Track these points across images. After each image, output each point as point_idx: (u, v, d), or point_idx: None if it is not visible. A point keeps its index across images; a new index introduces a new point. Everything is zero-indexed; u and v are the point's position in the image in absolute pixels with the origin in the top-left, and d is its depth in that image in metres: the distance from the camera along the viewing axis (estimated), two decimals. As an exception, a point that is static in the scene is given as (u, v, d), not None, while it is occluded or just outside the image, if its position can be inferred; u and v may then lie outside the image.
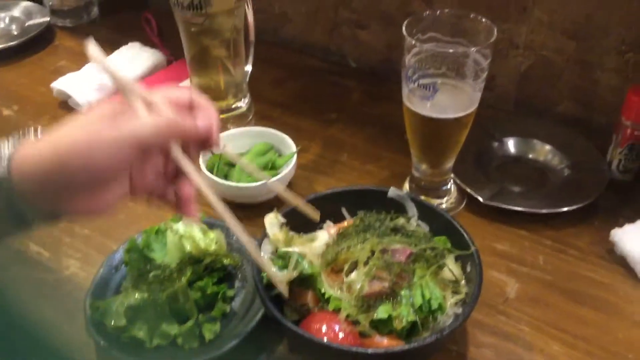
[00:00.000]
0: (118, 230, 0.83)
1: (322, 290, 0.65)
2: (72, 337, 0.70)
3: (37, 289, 0.76)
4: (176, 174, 0.55)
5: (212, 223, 0.77)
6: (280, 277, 0.63)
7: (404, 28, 0.74)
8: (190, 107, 0.55)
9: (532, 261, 0.78)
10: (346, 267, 0.67)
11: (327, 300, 0.64)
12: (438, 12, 0.76)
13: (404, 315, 0.62)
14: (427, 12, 0.76)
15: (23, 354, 0.73)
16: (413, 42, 0.73)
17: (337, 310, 0.63)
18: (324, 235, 0.70)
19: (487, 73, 0.74)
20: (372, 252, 0.67)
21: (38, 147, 0.50)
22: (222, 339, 0.66)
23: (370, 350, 0.59)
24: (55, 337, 0.70)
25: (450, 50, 0.73)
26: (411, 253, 0.67)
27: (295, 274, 0.64)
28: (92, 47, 0.53)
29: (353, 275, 0.66)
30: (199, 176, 0.54)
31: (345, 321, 0.62)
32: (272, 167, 0.87)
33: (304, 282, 0.65)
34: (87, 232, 0.83)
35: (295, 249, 0.67)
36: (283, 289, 0.62)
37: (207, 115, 0.54)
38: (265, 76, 1.12)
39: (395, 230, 0.69)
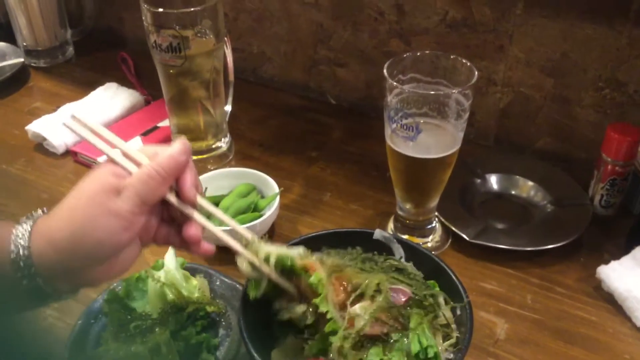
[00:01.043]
0: (97, 277, 0.80)
1: (325, 309, 0.63)
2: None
3: (14, 342, 0.73)
4: (174, 218, 0.58)
5: (194, 268, 0.75)
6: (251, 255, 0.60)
7: (385, 69, 0.74)
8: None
9: (520, 300, 0.77)
10: (353, 297, 0.65)
11: (328, 319, 0.63)
12: (419, 53, 0.76)
13: None
14: (408, 54, 0.76)
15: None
16: (394, 83, 0.73)
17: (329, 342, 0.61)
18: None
19: (468, 113, 0.75)
20: (379, 289, 0.66)
21: (52, 227, 0.52)
22: (206, 393, 0.64)
23: (361, 401, 0.57)
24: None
25: (432, 92, 0.73)
26: (410, 297, 0.66)
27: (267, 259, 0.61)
28: (72, 121, 0.55)
29: (358, 308, 0.64)
30: (199, 214, 0.57)
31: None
32: (254, 209, 0.86)
33: (286, 274, 0.62)
34: (64, 281, 0.80)
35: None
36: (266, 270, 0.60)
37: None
38: (245, 115, 1.11)
39: (398, 270, 0.68)
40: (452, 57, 0.75)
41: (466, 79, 0.74)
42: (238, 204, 0.86)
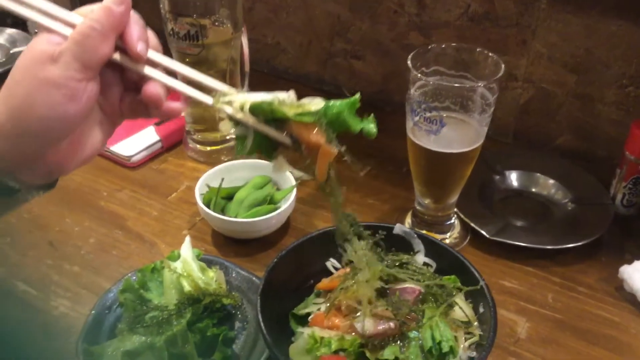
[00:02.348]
0: (110, 267, 0.79)
1: (319, 337, 0.63)
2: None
3: (24, 332, 0.72)
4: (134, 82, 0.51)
5: (210, 260, 0.74)
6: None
7: (409, 61, 0.73)
8: None
9: (541, 299, 0.76)
10: (347, 308, 0.64)
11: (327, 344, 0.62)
12: (443, 45, 0.75)
13: (412, 358, 0.60)
14: (433, 45, 0.75)
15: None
16: (419, 75, 0.71)
17: (344, 353, 0.60)
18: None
19: (493, 108, 0.73)
20: (377, 291, 0.65)
21: None
22: (223, 385, 0.63)
23: (383, 398, 0.56)
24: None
25: (457, 85, 0.71)
26: (420, 292, 0.65)
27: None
28: None
29: (357, 315, 0.63)
30: (155, 71, 0.50)
31: (355, 365, 0.59)
32: (270, 201, 0.85)
33: (275, 123, 0.53)
34: (77, 270, 0.79)
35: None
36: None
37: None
38: (259, 107, 1.10)
39: (401, 265, 0.67)
40: (477, 50, 0.74)
41: (491, 72, 0.72)
42: (254, 196, 0.84)
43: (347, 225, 0.61)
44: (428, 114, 0.73)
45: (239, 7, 0.89)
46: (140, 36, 0.49)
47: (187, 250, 0.71)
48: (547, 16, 0.90)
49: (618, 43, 0.87)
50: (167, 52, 0.90)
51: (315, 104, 0.54)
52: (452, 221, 0.84)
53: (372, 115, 0.57)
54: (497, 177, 0.92)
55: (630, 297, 0.76)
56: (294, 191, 0.84)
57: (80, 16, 0.48)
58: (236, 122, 0.52)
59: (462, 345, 0.62)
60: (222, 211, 0.83)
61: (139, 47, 0.48)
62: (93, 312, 0.68)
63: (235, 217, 0.82)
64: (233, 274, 0.75)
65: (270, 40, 1.19)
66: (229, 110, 0.52)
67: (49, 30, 0.47)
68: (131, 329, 0.65)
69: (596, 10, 0.86)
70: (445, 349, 0.59)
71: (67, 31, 0.47)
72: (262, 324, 0.61)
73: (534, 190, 0.91)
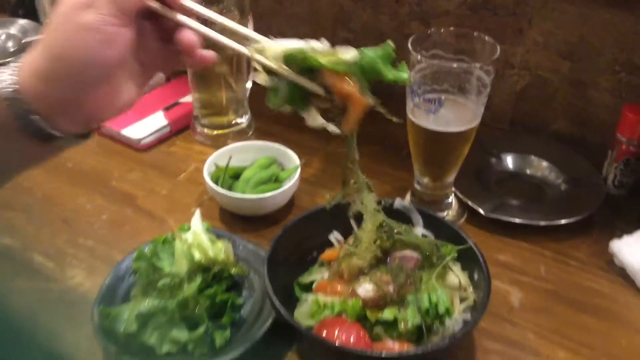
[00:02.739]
0: (122, 241, 0.83)
1: (323, 302, 0.66)
2: (79, 345, 0.69)
3: (42, 299, 0.75)
4: (171, 35, 0.53)
5: (218, 234, 0.77)
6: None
7: (409, 44, 0.76)
8: None
9: (534, 272, 0.79)
10: (349, 275, 0.68)
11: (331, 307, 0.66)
12: (442, 30, 0.78)
13: (410, 318, 0.63)
14: (432, 29, 0.78)
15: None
16: (418, 56, 0.75)
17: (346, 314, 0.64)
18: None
19: (489, 89, 0.77)
20: (377, 259, 0.69)
21: (33, 58, 0.49)
22: (232, 345, 0.66)
23: (383, 353, 0.59)
24: (62, 346, 0.69)
25: (455, 65, 0.75)
26: (418, 260, 0.69)
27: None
28: None
29: (360, 280, 0.67)
30: (189, 19, 0.52)
31: (356, 326, 0.63)
32: (275, 180, 0.88)
33: (308, 73, 0.55)
34: (90, 244, 0.83)
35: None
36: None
37: None
38: (263, 94, 1.12)
39: (400, 234, 0.71)
40: (474, 34, 0.78)
41: (488, 55, 0.76)
42: (259, 175, 0.88)
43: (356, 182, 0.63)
44: (427, 95, 0.76)
45: (246, -5, 0.93)
46: None
47: (197, 222, 0.75)
48: (542, 5, 0.94)
49: (610, 30, 0.91)
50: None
51: (349, 53, 0.54)
52: (450, 200, 0.88)
53: (404, 62, 0.58)
54: (494, 159, 0.96)
55: (620, 270, 0.79)
56: (298, 171, 0.87)
57: None
58: (269, 73, 0.53)
59: (457, 309, 0.66)
60: (229, 189, 0.87)
61: None
62: (107, 279, 0.72)
63: (242, 193, 0.85)
64: (240, 247, 0.78)
65: (275, 30, 1.22)
66: (264, 60, 0.53)
67: None
68: (144, 294, 0.68)
69: (589, -1, 0.90)
70: (441, 310, 0.63)
71: None
72: (269, 287, 0.64)
73: (528, 172, 0.95)
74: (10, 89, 0.48)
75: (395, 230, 0.70)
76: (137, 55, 0.53)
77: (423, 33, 0.78)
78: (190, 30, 0.53)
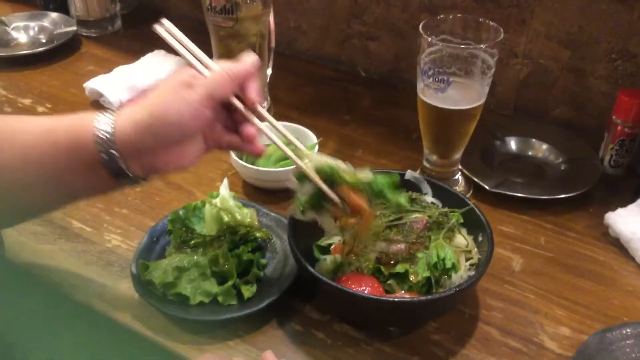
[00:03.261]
0: (154, 210, 0.90)
1: (340, 261, 0.73)
2: (118, 298, 0.76)
3: (81, 259, 0.82)
4: (236, 126, 0.66)
5: (244, 203, 0.84)
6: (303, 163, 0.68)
7: (420, 28, 0.83)
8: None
9: (534, 241, 0.86)
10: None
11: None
12: (451, 16, 0.85)
13: (420, 271, 0.70)
14: (441, 16, 0.85)
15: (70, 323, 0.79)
16: (429, 39, 0.82)
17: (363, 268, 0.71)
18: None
19: (494, 70, 0.83)
20: (389, 225, 0.76)
21: (134, 111, 0.61)
22: (258, 298, 0.73)
23: (397, 299, 0.66)
24: (101, 300, 0.76)
25: (462, 47, 0.82)
26: (426, 223, 0.75)
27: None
28: (160, 27, 0.63)
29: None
30: (257, 120, 0.66)
31: (371, 279, 0.69)
32: (295, 157, 0.95)
33: (330, 184, 0.67)
34: (125, 212, 0.89)
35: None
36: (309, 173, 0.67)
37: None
38: (281, 83, 1.21)
39: (411, 200, 0.77)
40: (480, 19, 0.84)
41: (492, 39, 0.83)
42: (279, 153, 0.95)
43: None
44: (437, 77, 0.83)
45: (268, -14, 1.00)
46: (256, 90, 0.65)
47: (225, 189, 0.81)
48: (544, -3, 1.00)
49: (607, 21, 0.97)
50: (204, 26, 1.02)
51: (365, 175, 0.69)
52: (457, 177, 0.94)
53: (406, 193, 0.74)
54: (498, 142, 1.02)
55: (614, 241, 0.85)
56: (316, 148, 0.94)
57: (217, 65, 0.63)
58: (301, 179, 0.68)
59: (463, 266, 0.72)
60: (253, 164, 0.93)
61: (254, 97, 0.64)
62: (144, 240, 0.79)
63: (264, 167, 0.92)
64: (263, 215, 0.85)
65: (292, 23, 1.30)
66: (306, 168, 0.67)
67: (191, 65, 0.63)
68: (178, 252, 0.75)
69: (588, -9, 0.97)
70: (448, 265, 0.69)
71: (205, 71, 0.63)
72: (292, 245, 0.71)
73: (530, 153, 1.01)
74: (109, 129, 0.59)
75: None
76: (205, 134, 0.64)
77: (433, 18, 0.85)
78: (254, 126, 0.66)
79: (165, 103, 0.60)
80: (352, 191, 0.67)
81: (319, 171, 0.67)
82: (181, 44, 0.65)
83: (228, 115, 0.66)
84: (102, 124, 0.59)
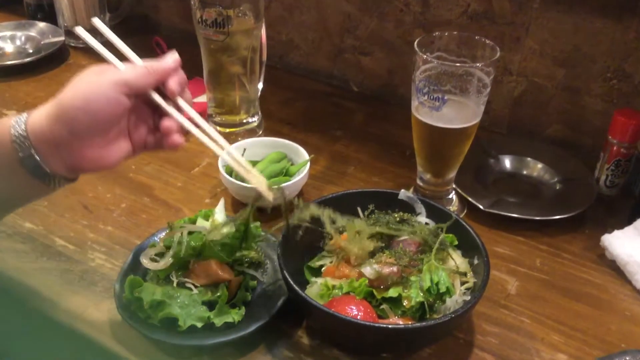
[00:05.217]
0: (140, 227, 0.87)
1: (331, 284, 0.71)
2: (100, 319, 0.73)
3: (63, 278, 0.79)
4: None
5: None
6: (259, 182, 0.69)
7: (415, 45, 0.81)
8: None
9: (529, 263, 0.84)
10: (356, 259, 0.73)
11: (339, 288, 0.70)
12: (446, 33, 0.84)
13: (413, 296, 0.68)
14: (437, 33, 0.84)
15: (51, 342, 0.76)
16: (424, 56, 0.80)
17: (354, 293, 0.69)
18: None
19: (489, 89, 0.82)
20: (381, 248, 0.74)
21: (46, 105, 0.60)
22: (247, 322, 0.70)
23: (390, 326, 0.64)
24: (82, 321, 0.73)
25: (458, 65, 0.80)
26: (419, 244, 0.74)
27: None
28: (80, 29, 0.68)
29: (365, 263, 0.72)
30: (178, 113, 0.64)
31: (363, 303, 0.67)
32: (286, 174, 0.93)
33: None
34: (110, 229, 0.87)
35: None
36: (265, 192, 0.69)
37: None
38: (273, 97, 1.19)
39: (402, 221, 0.76)
40: (476, 37, 0.83)
41: (488, 57, 0.81)
42: (271, 169, 0.93)
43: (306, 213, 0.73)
44: (431, 94, 0.81)
45: (260, 1, 0.98)
46: (177, 81, 0.64)
47: (220, 213, 0.79)
48: (539, 15, 0.99)
49: (603, 40, 0.96)
50: (195, 39, 1.00)
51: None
52: (451, 196, 0.93)
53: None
54: (492, 160, 1.01)
55: (611, 263, 0.84)
56: (307, 165, 0.92)
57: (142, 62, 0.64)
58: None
59: (458, 290, 0.70)
60: (242, 182, 0.91)
61: (173, 87, 0.63)
62: (129, 259, 0.76)
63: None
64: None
65: (284, 37, 1.28)
66: (229, 159, 0.70)
67: (113, 64, 0.64)
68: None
69: (584, 9, 0.96)
70: (443, 289, 0.67)
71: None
72: (282, 267, 0.69)
73: (525, 172, 1.00)
74: (22, 125, 0.59)
75: (398, 219, 0.75)
76: (131, 134, 0.64)
77: (428, 36, 0.83)
78: (173, 119, 0.64)
79: (73, 90, 0.59)
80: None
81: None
82: (111, 44, 0.66)
83: (152, 114, 0.65)
84: (17, 122, 0.59)
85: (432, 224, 0.78)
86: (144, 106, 0.64)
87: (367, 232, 0.75)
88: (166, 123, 0.64)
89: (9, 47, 1.34)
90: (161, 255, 0.73)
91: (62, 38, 1.34)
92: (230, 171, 0.91)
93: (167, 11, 1.43)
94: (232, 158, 0.69)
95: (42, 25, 1.38)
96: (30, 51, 1.32)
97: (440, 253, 0.72)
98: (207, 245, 0.71)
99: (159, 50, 1.32)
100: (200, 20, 0.96)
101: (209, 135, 0.67)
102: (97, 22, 0.67)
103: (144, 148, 0.66)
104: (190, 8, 0.98)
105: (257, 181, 0.69)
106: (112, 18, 1.42)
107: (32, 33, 1.36)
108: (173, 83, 0.63)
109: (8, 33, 1.36)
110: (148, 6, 1.45)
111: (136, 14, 1.47)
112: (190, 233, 0.74)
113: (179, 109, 0.65)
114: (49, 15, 1.39)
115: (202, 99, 1.12)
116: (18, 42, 1.35)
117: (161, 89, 0.63)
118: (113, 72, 0.60)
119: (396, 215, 0.77)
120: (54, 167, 0.61)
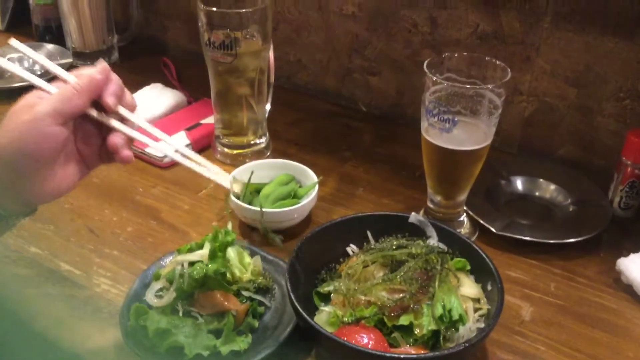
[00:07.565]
0: (147, 252, 0.86)
1: (340, 316, 0.69)
2: (105, 346, 0.72)
3: (68, 304, 0.78)
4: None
5: (250, 250, 0.80)
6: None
7: (425, 67, 0.80)
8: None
9: (544, 287, 0.82)
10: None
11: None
12: (456, 54, 0.83)
13: (425, 324, 0.66)
14: (446, 54, 0.83)
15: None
16: (434, 78, 0.79)
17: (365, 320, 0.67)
18: None
19: (500, 110, 0.81)
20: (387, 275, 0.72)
21: None
22: (254, 350, 0.69)
23: (402, 356, 0.62)
24: (87, 349, 0.72)
25: (468, 87, 0.79)
26: (426, 269, 0.72)
27: None
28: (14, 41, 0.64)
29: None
30: (121, 124, 0.62)
31: (374, 331, 0.66)
32: (294, 196, 0.92)
33: None
34: (116, 254, 0.86)
35: None
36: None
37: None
38: (280, 117, 1.18)
39: (399, 247, 0.75)
40: (486, 58, 0.82)
41: (499, 78, 0.80)
42: (279, 191, 0.92)
43: None
44: (441, 116, 0.80)
45: (268, 23, 0.98)
46: (113, 92, 0.61)
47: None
48: (549, 34, 0.98)
49: (615, 59, 0.95)
50: (202, 61, 1.00)
51: None
52: (462, 218, 0.91)
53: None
54: (504, 181, 0.99)
55: (627, 287, 0.82)
56: (316, 188, 0.91)
57: (73, 77, 0.60)
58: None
59: (471, 317, 0.68)
60: (250, 204, 0.90)
61: (110, 100, 0.60)
62: (135, 285, 0.75)
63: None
64: (261, 258, 0.81)
65: (292, 57, 1.28)
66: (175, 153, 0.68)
67: (41, 89, 0.60)
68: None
69: (595, 29, 0.95)
70: (455, 316, 0.66)
71: (53, 88, 0.59)
72: (291, 294, 0.67)
73: (537, 194, 0.98)
74: None
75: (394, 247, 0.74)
76: (80, 151, 0.62)
77: (438, 57, 0.82)
78: (118, 133, 0.62)
79: (8, 133, 0.56)
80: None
81: None
82: (35, 63, 0.63)
83: (98, 127, 0.62)
84: None
85: (443, 248, 0.77)
86: (87, 123, 0.61)
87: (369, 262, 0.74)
88: (112, 140, 0.61)
89: (17, 69, 1.34)
90: (165, 289, 0.72)
91: (70, 60, 1.34)
92: (238, 194, 0.90)
93: (175, 33, 1.43)
94: (182, 155, 0.67)
95: (50, 47, 1.38)
96: (39, 73, 1.32)
97: (450, 277, 0.70)
98: (209, 276, 0.69)
99: (167, 71, 1.32)
100: (208, 42, 0.96)
101: (156, 137, 0.66)
102: (14, 42, 0.65)
103: (100, 161, 0.64)
104: (198, 30, 0.98)
105: (216, 174, 0.67)
106: (121, 39, 1.42)
107: (41, 55, 1.36)
108: (107, 96, 0.60)
109: (17, 55, 1.36)
110: (156, 28, 1.45)
111: (144, 36, 1.47)
112: (192, 263, 0.72)
113: (122, 118, 0.62)
114: (57, 37, 1.40)
115: (209, 120, 1.11)
116: (26, 64, 1.35)
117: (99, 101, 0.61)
118: (43, 104, 0.57)
119: (395, 242, 0.75)
120: (9, 206, 0.60)
